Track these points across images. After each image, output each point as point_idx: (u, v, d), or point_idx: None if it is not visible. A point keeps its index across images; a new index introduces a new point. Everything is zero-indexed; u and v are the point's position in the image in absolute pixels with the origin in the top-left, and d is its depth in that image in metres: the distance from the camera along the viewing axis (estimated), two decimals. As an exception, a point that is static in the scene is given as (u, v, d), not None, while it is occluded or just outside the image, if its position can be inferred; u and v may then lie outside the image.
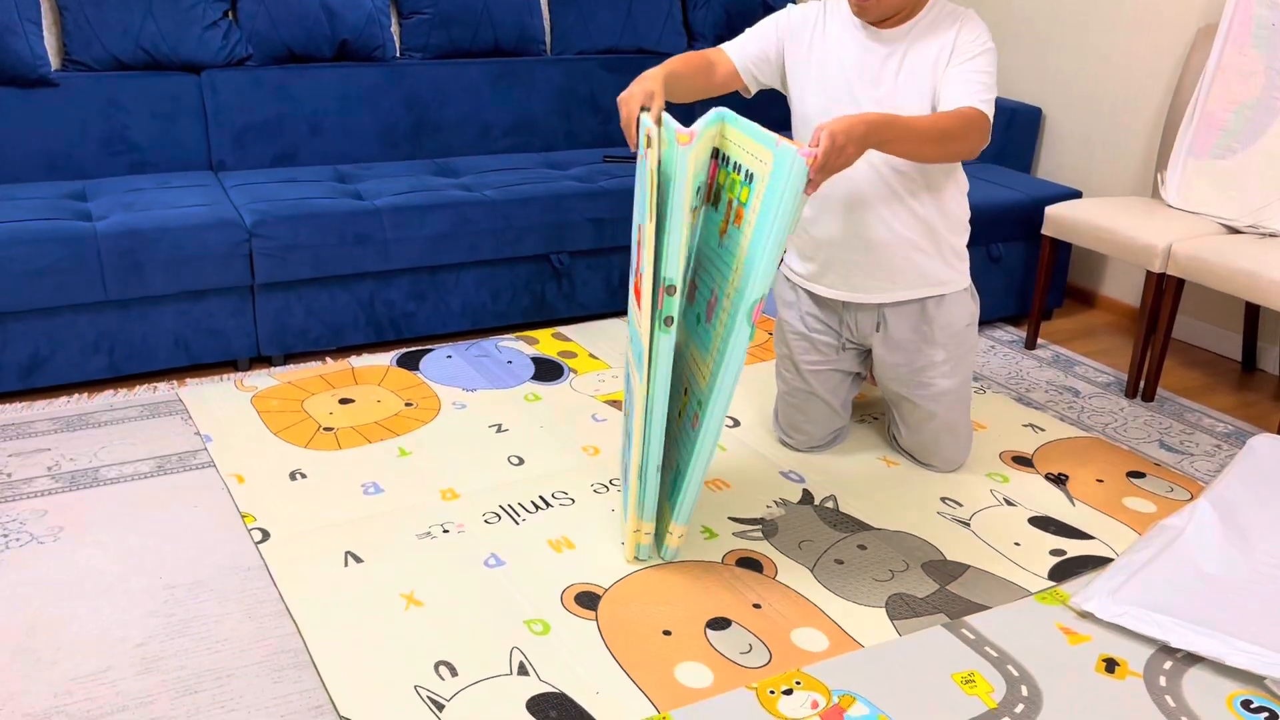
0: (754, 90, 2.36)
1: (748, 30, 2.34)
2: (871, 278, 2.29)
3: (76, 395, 2.69)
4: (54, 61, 3.08)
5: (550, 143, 3.70)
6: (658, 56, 3.82)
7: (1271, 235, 2.85)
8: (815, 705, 1.72)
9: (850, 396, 2.52)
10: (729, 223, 1.95)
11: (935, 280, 2.30)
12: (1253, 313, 3.17)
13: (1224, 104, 3.00)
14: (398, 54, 3.51)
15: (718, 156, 2.02)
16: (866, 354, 2.46)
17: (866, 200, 2.22)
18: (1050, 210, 3.16)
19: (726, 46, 2.32)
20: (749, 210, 1.87)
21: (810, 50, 2.25)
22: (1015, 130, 3.70)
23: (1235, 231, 2.92)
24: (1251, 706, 1.78)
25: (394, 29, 3.49)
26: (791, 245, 2.42)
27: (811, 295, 2.41)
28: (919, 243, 2.26)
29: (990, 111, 2.10)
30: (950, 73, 2.13)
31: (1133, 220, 2.98)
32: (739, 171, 1.92)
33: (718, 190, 2.03)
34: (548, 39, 3.73)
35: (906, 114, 2.09)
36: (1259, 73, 2.93)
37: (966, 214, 2.34)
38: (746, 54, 2.30)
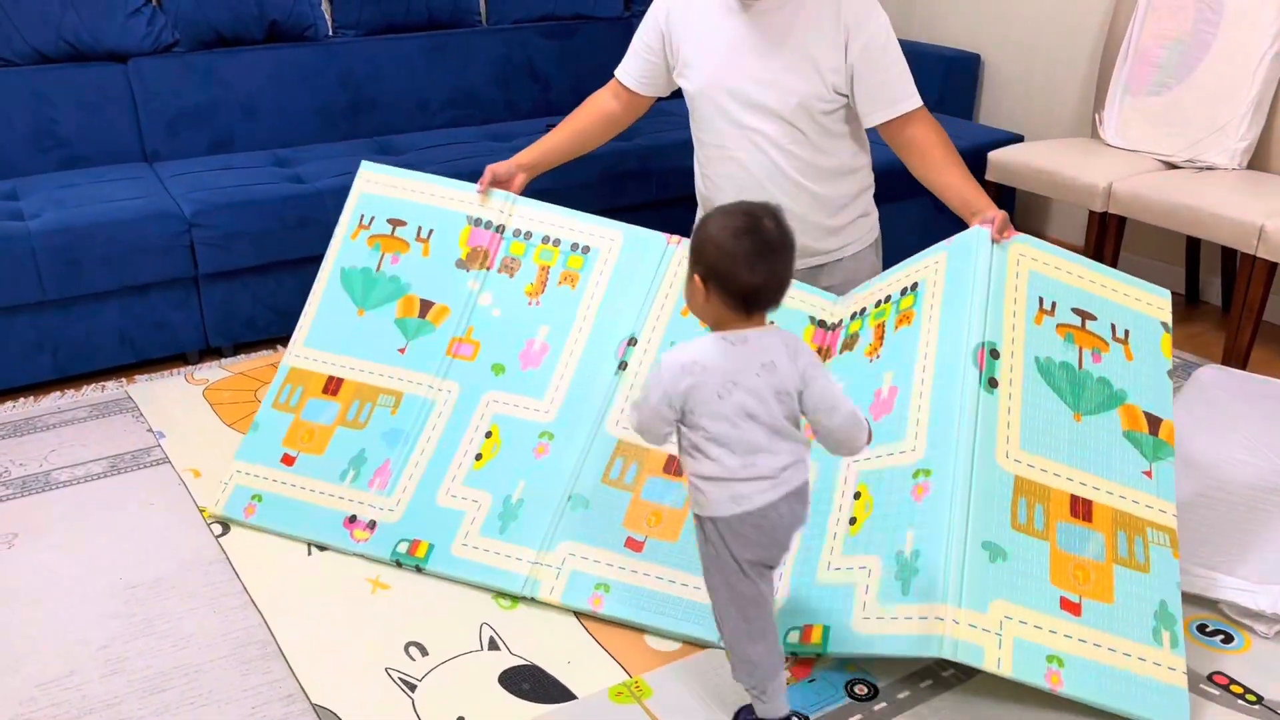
0: (669, 92, 2.35)
1: (634, 37, 2.31)
2: None
3: (22, 399, 2.64)
4: (-27, 58, 2.99)
5: (490, 114, 3.65)
6: (596, 22, 3.78)
7: (1209, 169, 2.90)
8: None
9: None
10: (883, 338, 1.99)
11: (838, 245, 2.31)
12: (1194, 246, 3.23)
13: (1156, 40, 3.03)
14: (330, 32, 3.44)
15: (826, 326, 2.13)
16: None
17: (760, 184, 2.20)
18: (993, 155, 3.18)
19: (618, 71, 2.36)
20: (921, 305, 1.95)
21: (686, 26, 2.20)
22: (954, 77, 3.71)
23: (1173, 167, 2.96)
24: (1207, 630, 1.83)
25: (324, 7, 3.42)
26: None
27: None
28: (815, 218, 2.24)
29: (917, 98, 2.15)
30: (869, 75, 2.09)
31: (1073, 161, 3.01)
32: (886, 302, 2.03)
33: (850, 339, 2.07)
34: (483, 9, 3.67)
35: (793, 93, 2.10)
36: (1189, 7, 2.96)
37: (866, 179, 2.32)
38: (632, 73, 2.32)
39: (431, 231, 2.28)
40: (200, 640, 1.80)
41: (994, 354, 1.81)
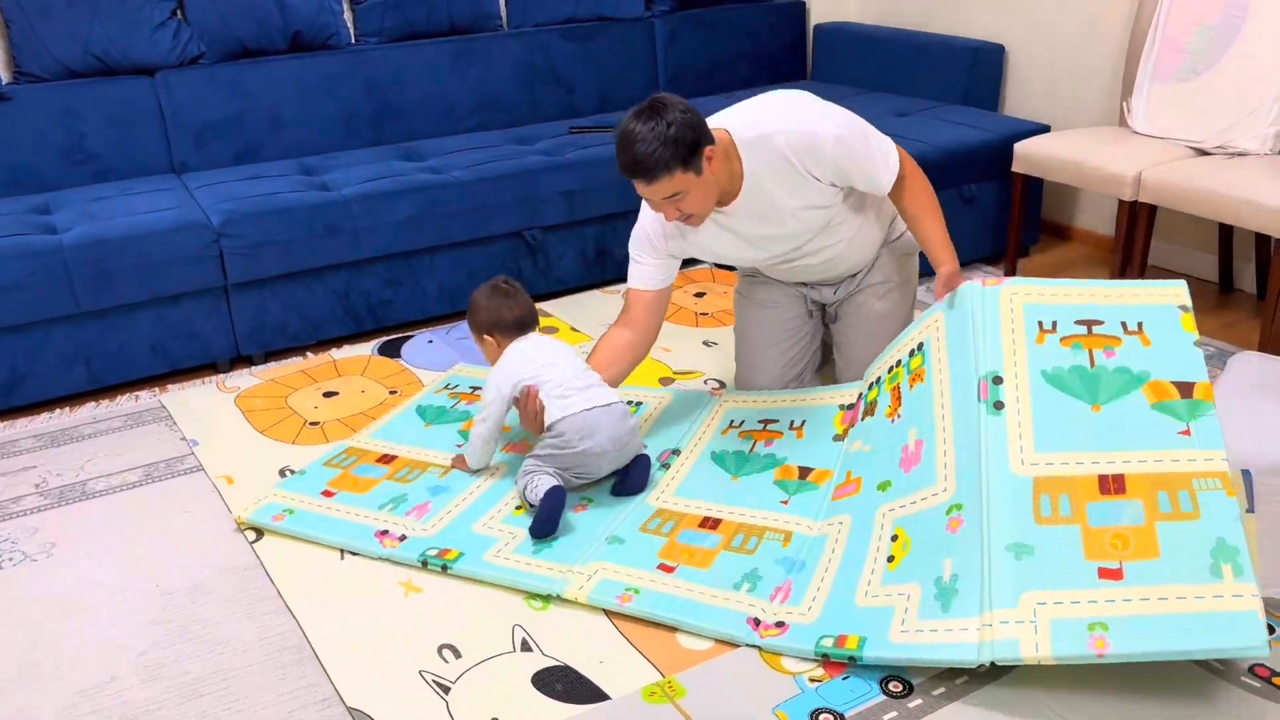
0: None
1: (631, 254, 2.28)
2: (825, 276, 2.40)
3: (58, 410, 2.68)
4: (4, 75, 3.04)
5: (515, 118, 3.67)
6: (617, 23, 3.79)
7: (1240, 155, 2.85)
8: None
9: (809, 340, 2.51)
10: (900, 399, 2.07)
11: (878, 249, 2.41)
12: (1226, 233, 3.18)
13: (1184, 26, 2.99)
14: (353, 40, 3.46)
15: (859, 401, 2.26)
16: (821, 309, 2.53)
17: (811, 250, 2.29)
18: (1019, 147, 3.15)
19: (633, 282, 2.29)
20: (929, 362, 2.03)
21: (686, 243, 2.24)
22: (979, 69, 3.68)
23: (1204, 153, 2.91)
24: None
25: (347, 15, 3.44)
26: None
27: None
28: (860, 256, 2.36)
29: (895, 162, 2.16)
30: (851, 177, 2.14)
31: (1101, 150, 2.97)
32: (898, 366, 2.14)
33: (870, 405, 2.19)
34: (503, 13, 3.69)
35: (806, 233, 2.20)
36: (1217, -8, 2.92)
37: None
38: (647, 281, 2.27)
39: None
40: (236, 645, 1.82)
41: (996, 380, 1.85)
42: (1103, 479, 1.71)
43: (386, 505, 2.15)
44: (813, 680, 1.68)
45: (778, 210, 2.15)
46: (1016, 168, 3.16)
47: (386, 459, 2.34)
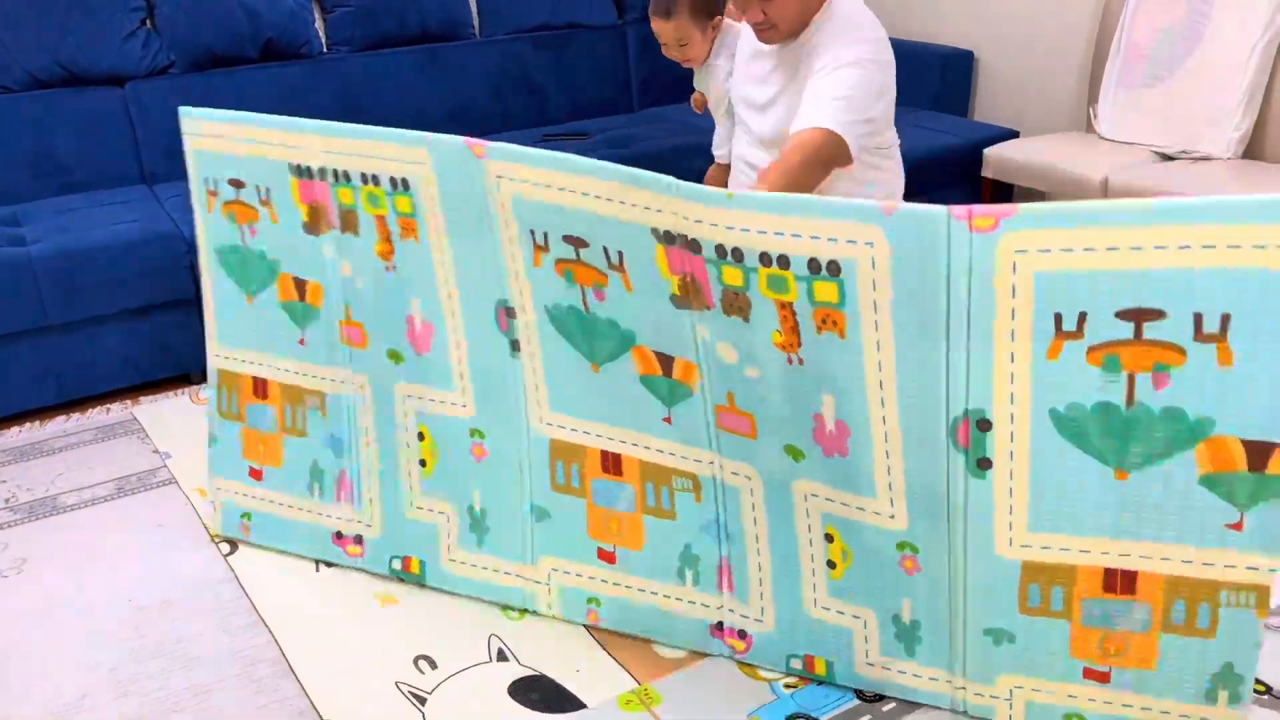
0: None
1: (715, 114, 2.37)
2: None
3: (28, 424, 2.65)
4: (-29, 86, 3.01)
5: (488, 126, 3.66)
6: (590, 30, 3.79)
7: (1204, 159, 2.89)
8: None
9: None
10: (799, 337, 1.45)
11: None
12: (1193, 236, 3.22)
13: (1148, 32, 3.03)
14: (324, 49, 3.45)
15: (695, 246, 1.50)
16: None
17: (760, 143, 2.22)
18: (989, 152, 3.19)
19: (717, 150, 2.39)
20: (857, 314, 1.39)
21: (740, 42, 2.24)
22: (949, 75, 3.71)
23: (1169, 158, 2.96)
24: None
25: (318, 24, 3.44)
26: None
27: None
28: None
29: (838, 124, 1.88)
30: (808, 86, 1.96)
31: (1068, 155, 3.01)
32: (781, 266, 1.41)
33: (733, 297, 1.47)
34: (476, 21, 3.69)
35: (778, 123, 2.08)
36: (1181, -1, 2.96)
37: (887, 182, 2.27)
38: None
39: (269, 190, 1.94)
40: (211, 660, 1.81)
41: (982, 425, 1.36)
42: (1109, 573, 1.37)
43: (313, 486, 2.05)
44: (789, 687, 1.69)
45: (793, 80, 2.03)
46: (986, 172, 3.19)
47: (260, 389, 2.06)
